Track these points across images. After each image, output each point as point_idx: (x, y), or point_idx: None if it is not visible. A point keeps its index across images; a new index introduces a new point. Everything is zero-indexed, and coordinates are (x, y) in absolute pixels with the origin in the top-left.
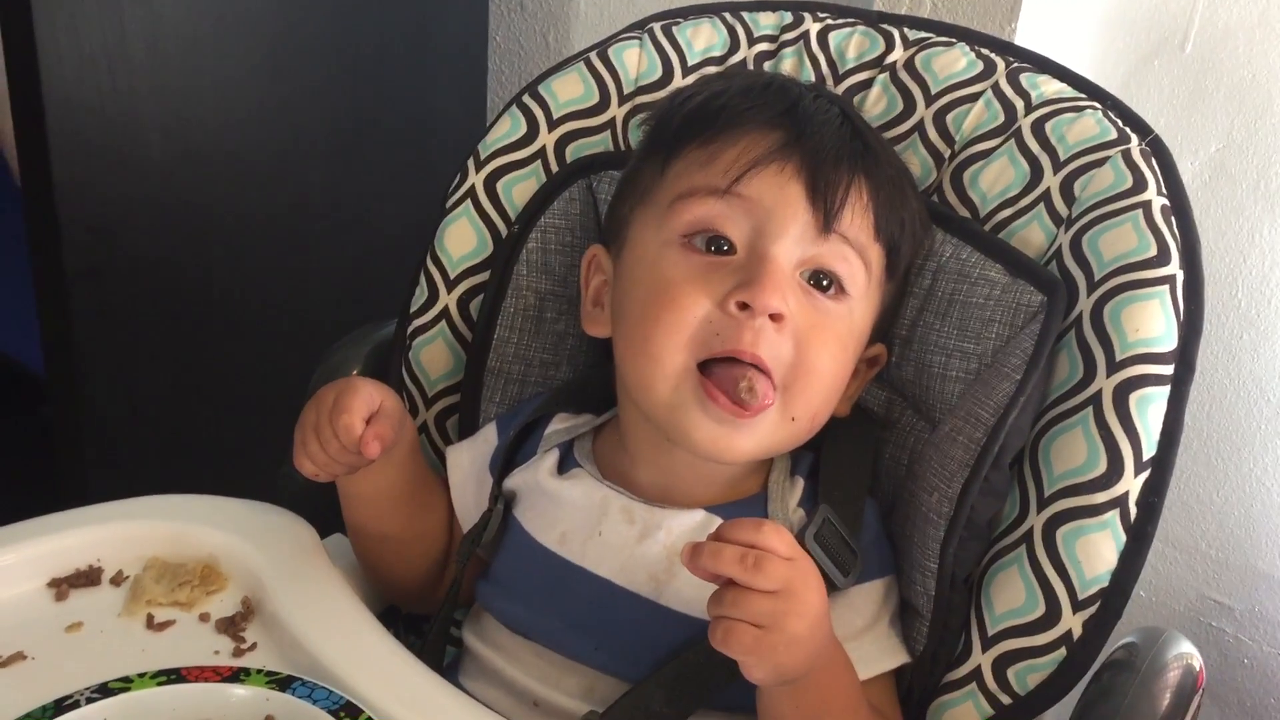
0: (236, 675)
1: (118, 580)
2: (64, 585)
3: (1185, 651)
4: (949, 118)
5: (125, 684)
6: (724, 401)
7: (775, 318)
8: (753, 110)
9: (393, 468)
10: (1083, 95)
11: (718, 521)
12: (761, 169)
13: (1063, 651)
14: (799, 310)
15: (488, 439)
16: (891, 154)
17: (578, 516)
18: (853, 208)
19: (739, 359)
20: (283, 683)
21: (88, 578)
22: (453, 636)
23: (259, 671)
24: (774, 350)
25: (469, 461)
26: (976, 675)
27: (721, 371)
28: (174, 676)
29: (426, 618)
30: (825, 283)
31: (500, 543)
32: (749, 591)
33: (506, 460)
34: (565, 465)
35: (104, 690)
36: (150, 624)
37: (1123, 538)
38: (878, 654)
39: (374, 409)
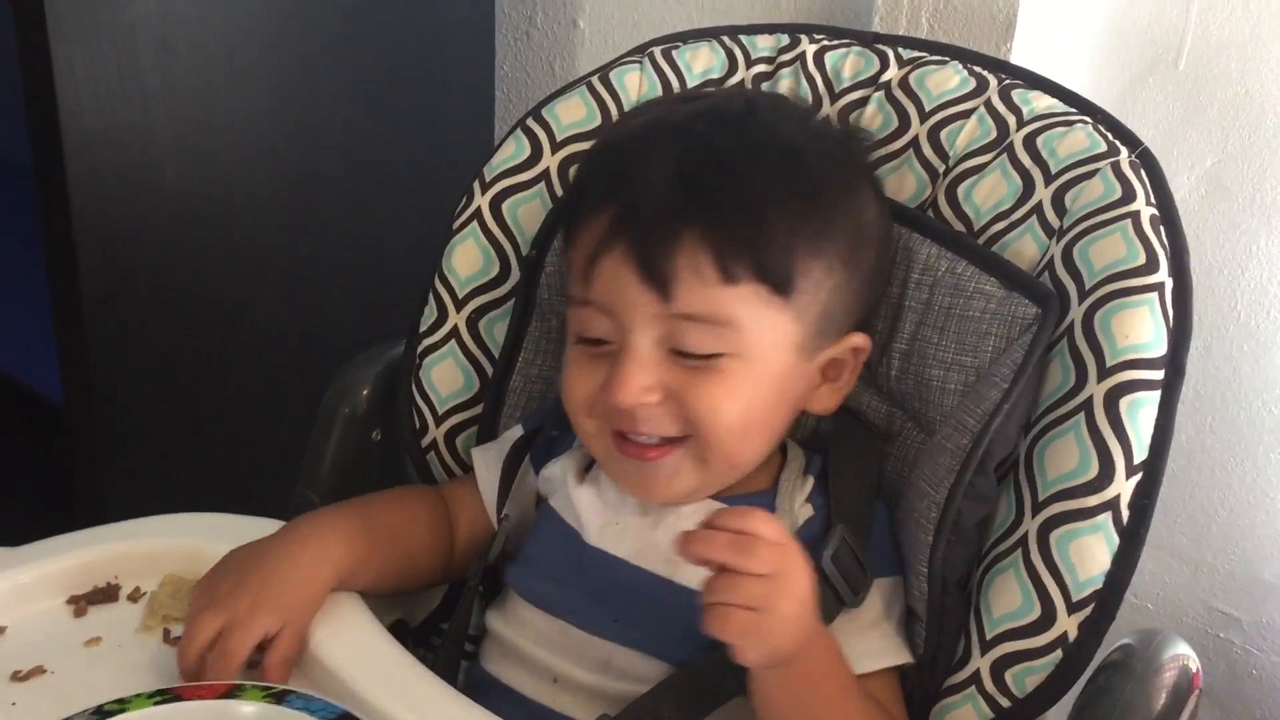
0: (232, 691)
1: (135, 597)
2: (82, 602)
3: (1181, 653)
4: (943, 134)
5: (121, 705)
6: (630, 450)
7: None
8: (591, 187)
9: (366, 583)
10: (1073, 110)
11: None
12: (602, 262)
13: (1059, 653)
14: (675, 379)
15: (512, 440)
16: (761, 173)
17: (597, 511)
18: (690, 276)
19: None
20: (278, 696)
21: (105, 594)
22: (466, 652)
23: (254, 686)
24: (660, 424)
25: (496, 459)
26: (976, 678)
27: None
28: (169, 696)
29: (437, 631)
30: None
31: (533, 526)
32: (741, 576)
33: (545, 451)
34: (589, 467)
35: (100, 713)
36: (167, 639)
37: (1115, 540)
38: (882, 649)
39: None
